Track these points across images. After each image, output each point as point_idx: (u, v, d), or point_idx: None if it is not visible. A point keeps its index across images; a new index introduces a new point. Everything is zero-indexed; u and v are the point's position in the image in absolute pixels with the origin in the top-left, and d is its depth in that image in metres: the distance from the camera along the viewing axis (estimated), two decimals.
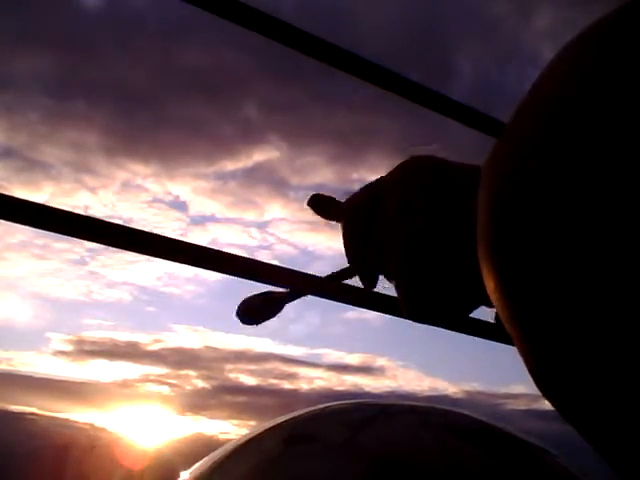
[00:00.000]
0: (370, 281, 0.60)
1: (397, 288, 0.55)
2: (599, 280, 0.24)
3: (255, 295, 0.61)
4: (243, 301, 0.60)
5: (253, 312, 0.61)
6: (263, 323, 0.61)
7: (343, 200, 0.61)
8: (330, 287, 0.57)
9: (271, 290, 0.60)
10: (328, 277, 0.62)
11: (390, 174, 0.56)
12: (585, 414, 0.27)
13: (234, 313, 0.60)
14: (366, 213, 0.56)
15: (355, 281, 0.61)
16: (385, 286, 0.59)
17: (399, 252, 0.53)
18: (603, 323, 0.24)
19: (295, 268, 0.53)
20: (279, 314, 0.61)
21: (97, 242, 0.46)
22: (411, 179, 0.54)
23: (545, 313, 0.26)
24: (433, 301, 0.53)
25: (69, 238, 0.45)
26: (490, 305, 0.52)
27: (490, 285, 0.30)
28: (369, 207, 0.56)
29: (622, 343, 0.24)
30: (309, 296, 0.60)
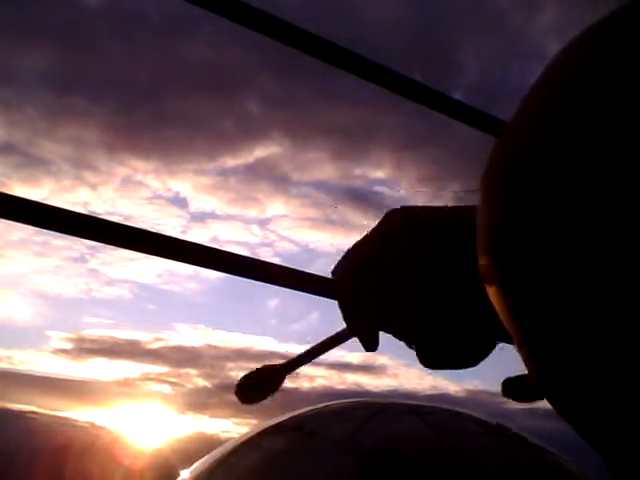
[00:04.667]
0: (371, 343, 0.57)
1: (409, 344, 0.53)
2: (598, 282, 0.24)
3: (253, 372, 0.54)
4: (241, 378, 0.53)
5: (253, 390, 0.54)
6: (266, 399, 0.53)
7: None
8: (331, 286, 0.57)
9: (269, 364, 0.54)
10: (322, 343, 0.57)
11: (373, 233, 0.54)
12: (583, 414, 0.27)
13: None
14: (357, 279, 0.54)
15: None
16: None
17: (406, 309, 0.51)
18: (602, 325, 0.24)
19: (296, 267, 0.53)
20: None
21: (97, 241, 0.45)
22: (400, 234, 0.52)
23: (544, 315, 0.26)
24: (450, 348, 0.52)
25: (69, 235, 0.45)
26: (505, 341, 0.51)
27: (490, 287, 0.30)
28: (359, 271, 0.54)
29: (620, 345, 0.24)
30: (310, 295, 0.59)
